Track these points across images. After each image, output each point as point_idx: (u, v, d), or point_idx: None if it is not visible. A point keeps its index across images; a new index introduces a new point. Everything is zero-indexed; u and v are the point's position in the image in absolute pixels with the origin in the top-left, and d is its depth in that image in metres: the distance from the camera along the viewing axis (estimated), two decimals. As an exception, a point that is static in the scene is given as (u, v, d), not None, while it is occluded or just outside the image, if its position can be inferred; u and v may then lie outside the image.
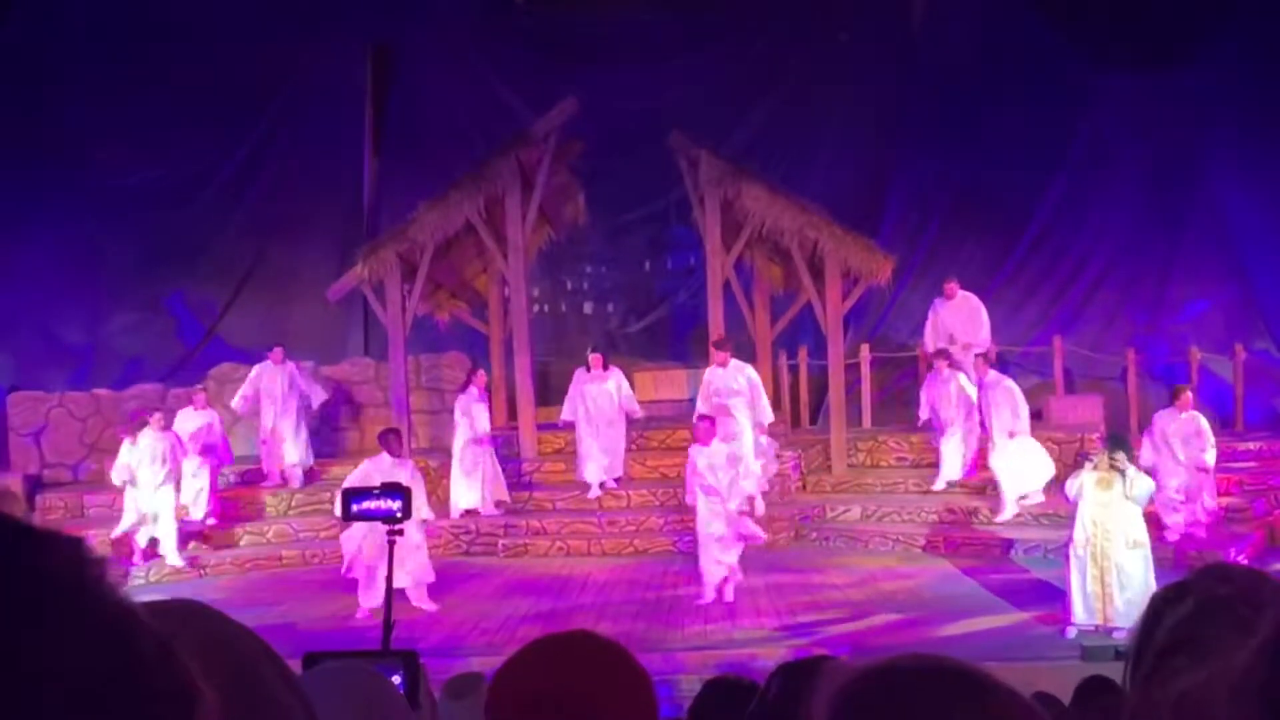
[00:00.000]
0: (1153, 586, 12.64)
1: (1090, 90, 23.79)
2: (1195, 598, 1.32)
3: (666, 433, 20.02)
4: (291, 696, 1.11)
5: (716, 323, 19.60)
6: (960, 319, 20.78)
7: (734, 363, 18.45)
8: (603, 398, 19.19)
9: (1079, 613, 13.00)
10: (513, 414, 20.80)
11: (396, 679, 3.36)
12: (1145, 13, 22.84)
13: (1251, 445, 19.77)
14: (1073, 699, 6.25)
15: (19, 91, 24.04)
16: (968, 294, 20.92)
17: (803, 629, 13.72)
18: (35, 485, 20.86)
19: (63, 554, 0.76)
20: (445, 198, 19.44)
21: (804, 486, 19.65)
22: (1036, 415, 21.71)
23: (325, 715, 1.23)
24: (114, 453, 21.49)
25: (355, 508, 5.90)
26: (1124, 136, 23.66)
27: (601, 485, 19.14)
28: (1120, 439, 13.70)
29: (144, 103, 24.25)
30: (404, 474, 14.00)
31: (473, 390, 18.85)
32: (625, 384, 19.69)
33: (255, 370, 20.51)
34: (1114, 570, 12.92)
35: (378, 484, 6.46)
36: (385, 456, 14.90)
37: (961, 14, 24.46)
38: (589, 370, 19.37)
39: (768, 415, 18.48)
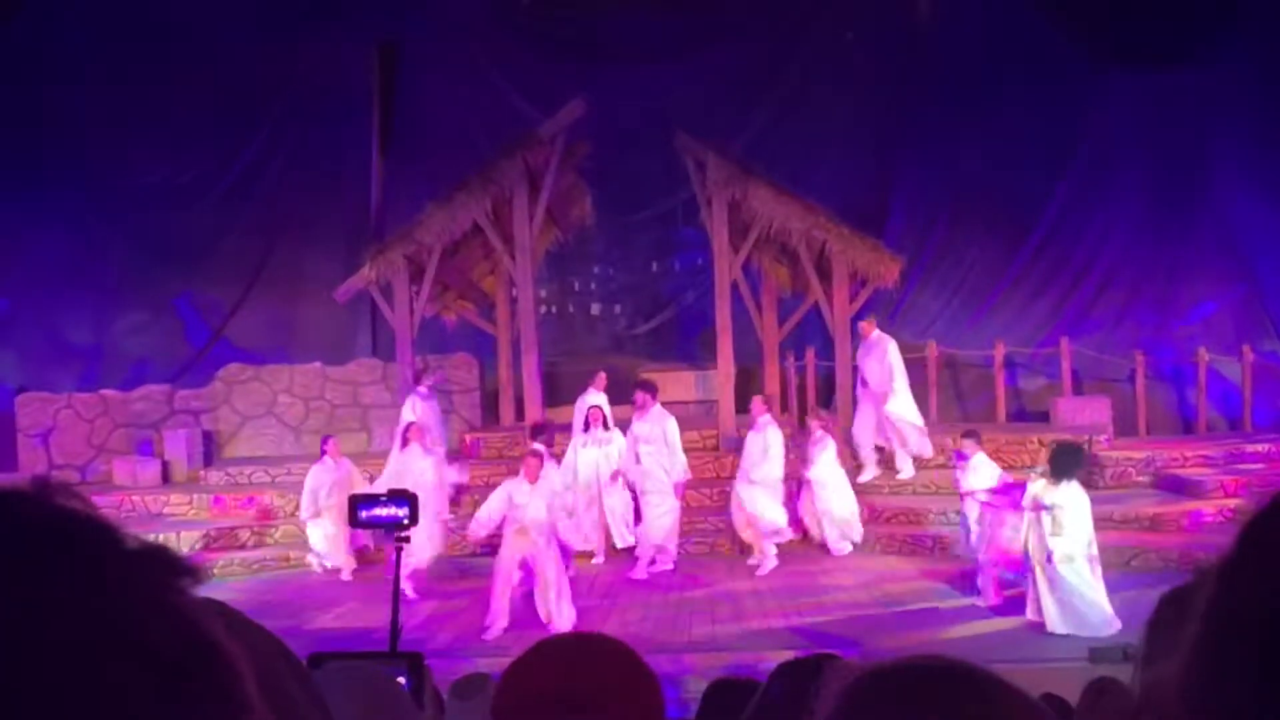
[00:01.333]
0: (1088, 598, 13.08)
1: (1096, 90, 23.77)
2: (1199, 580, 1.31)
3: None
4: (306, 695, 1.11)
5: (724, 323, 19.58)
6: (870, 363, 19.02)
7: (656, 409, 17.12)
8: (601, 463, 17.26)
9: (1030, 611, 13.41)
10: (520, 414, 20.80)
11: (401, 680, 3.36)
12: (1150, 12, 22.81)
13: (1260, 447, 19.75)
14: (1080, 700, 6.23)
15: (25, 91, 24.07)
16: (882, 335, 19.04)
17: (810, 630, 13.71)
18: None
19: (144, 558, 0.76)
20: (452, 199, 19.44)
21: (811, 488, 19.59)
22: (1043, 416, 21.73)
23: (333, 713, 1.23)
24: (123, 453, 21.59)
25: (363, 514, 5.91)
26: (1130, 137, 23.64)
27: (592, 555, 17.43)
28: (1066, 452, 13.60)
29: (151, 103, 24.29)
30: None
31: (420, 389, 18.91)
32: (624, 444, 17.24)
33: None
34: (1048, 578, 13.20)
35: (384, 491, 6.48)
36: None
37: (966, 14, 24.45)
38: (586, 429, 17.44)
39: (679, 470, 17.01)
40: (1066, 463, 13.25)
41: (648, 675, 1.97)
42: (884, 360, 18.67)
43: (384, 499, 6.01)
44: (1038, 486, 13.30)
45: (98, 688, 0.66)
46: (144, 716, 0.68)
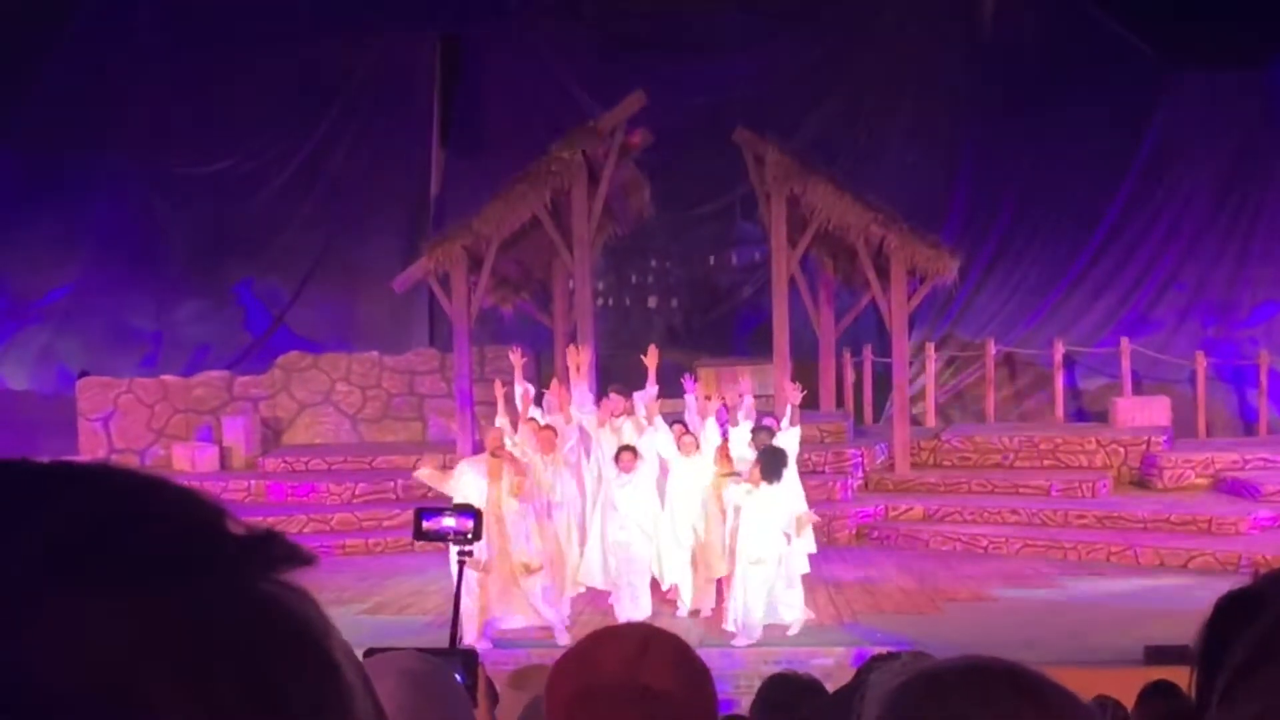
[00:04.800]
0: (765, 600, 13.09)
1: (1161, 88, 23.57)
2: (1274, 610, 1.29)
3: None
4: (363, 686, 1.12)
5: (780, 319, 19.53)
6: None
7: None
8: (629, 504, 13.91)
9: None
10: (575, 407, 20.81)
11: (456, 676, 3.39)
12: (1218, 11, 22.57)
13: (1321, 451, 19.55)
14: (1136, 702, 6.20)
15: (91, 81, 24.34)
16: None
17: (863, 628, 13.68)
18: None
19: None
20: (511, 191, 19.47)
21: (866, 485, 19.55)
22: (1102, 417, 21.56)
23: (384, 695, 1.24)
24: (182, 439, 21.79)
25: (426, 524, 5.89)
26: (1196, 135, 23.42)
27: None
28: (775, 454, 13.35)
29: (213, 94, 24.52)
30: None
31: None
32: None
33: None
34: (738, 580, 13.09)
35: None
36: None
37: (1031, 10, 24.28)
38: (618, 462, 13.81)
39: None
40: (776, 465, 13.06)
41: (700, 667, 1.98)
42: None
43: (449, 511, 6.00)
44: (740, 490, 13.11)
45: (180, 695, 0.64)
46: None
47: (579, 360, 15.22)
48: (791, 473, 13.74)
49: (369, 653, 2.95)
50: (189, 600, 0.67)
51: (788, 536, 13.16)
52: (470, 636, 12.88)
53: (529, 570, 13.11)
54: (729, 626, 13.11)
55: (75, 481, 0.70)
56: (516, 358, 14.76)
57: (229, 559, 0.71)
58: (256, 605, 0.70)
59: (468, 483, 12.79)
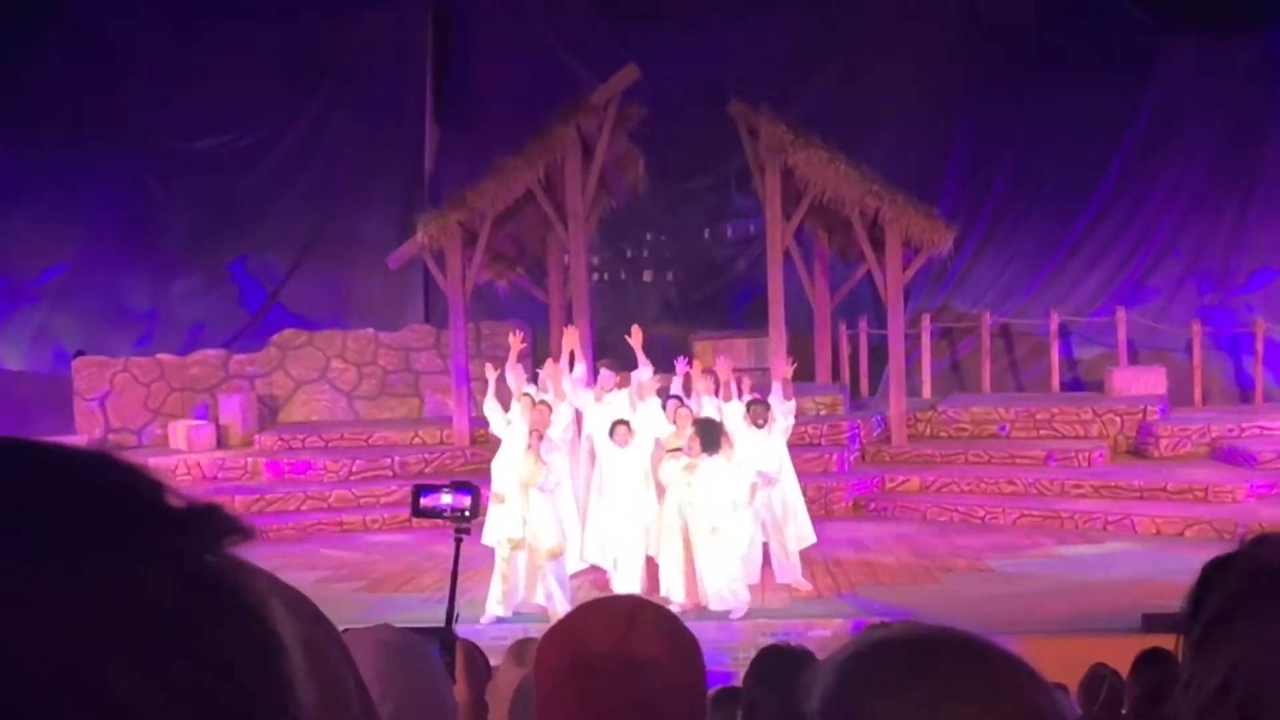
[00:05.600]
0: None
1: (1157, 55, 23.49)
2: (1248, 566, 1.29)
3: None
4: (341, 660, 1.11)
5: (776, 291, 19.51)
6: None
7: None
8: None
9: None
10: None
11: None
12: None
13: (1318, 418, 19.56)
14: (1130, 670, 6.21)
15: (83, 55, 24.26)
16: None
17: (860, 599, 13.70)
18: (100, 450, 21.11)
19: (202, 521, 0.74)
20: (505, 165, 19.45)
21: (863, 457, 19.57)
22: (1098, 386, 21.57)
23: (360, 666, 1.23)
24: (179, 417, 21.78)
25: (424, 501, 5.84)
26: (1192, 103, 23.35)
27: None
28: (712, 427, 13.33)
29: (206, 69, 24.42)
30: None
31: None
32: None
33: None
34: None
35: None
36: None
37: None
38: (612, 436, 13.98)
39: None
40: (713, 436, 13.10)
41: (689, 638, 1.97)
42: None
43: (446, 488, 5.92)
44: (676, 466, 13.14)
45: (114, 664, 0.64)
46: (169, 694, 0.66)
47: (574, 342, 15.08)
48: (777, 444, 13.83)
49: (345, 633, 2.94)
50: (126, 572, 0.67)
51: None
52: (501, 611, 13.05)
53: (553, 554, 13.22)
54: (714, 606, 13.07)
55: (8, 456, 0.70)
56: (515, 341, 14.62)
57: (168, 532, 0.71)
58: (195, 577, 0.70)
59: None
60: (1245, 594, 1.27)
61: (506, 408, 13.92)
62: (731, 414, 14.00)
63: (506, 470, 13.36)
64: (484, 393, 14.48)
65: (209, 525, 0.73)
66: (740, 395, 14.46)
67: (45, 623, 0.63)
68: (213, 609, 0.69)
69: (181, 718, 0.65)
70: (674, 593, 13.09)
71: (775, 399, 14.27)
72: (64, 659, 0.63)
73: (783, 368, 14.72)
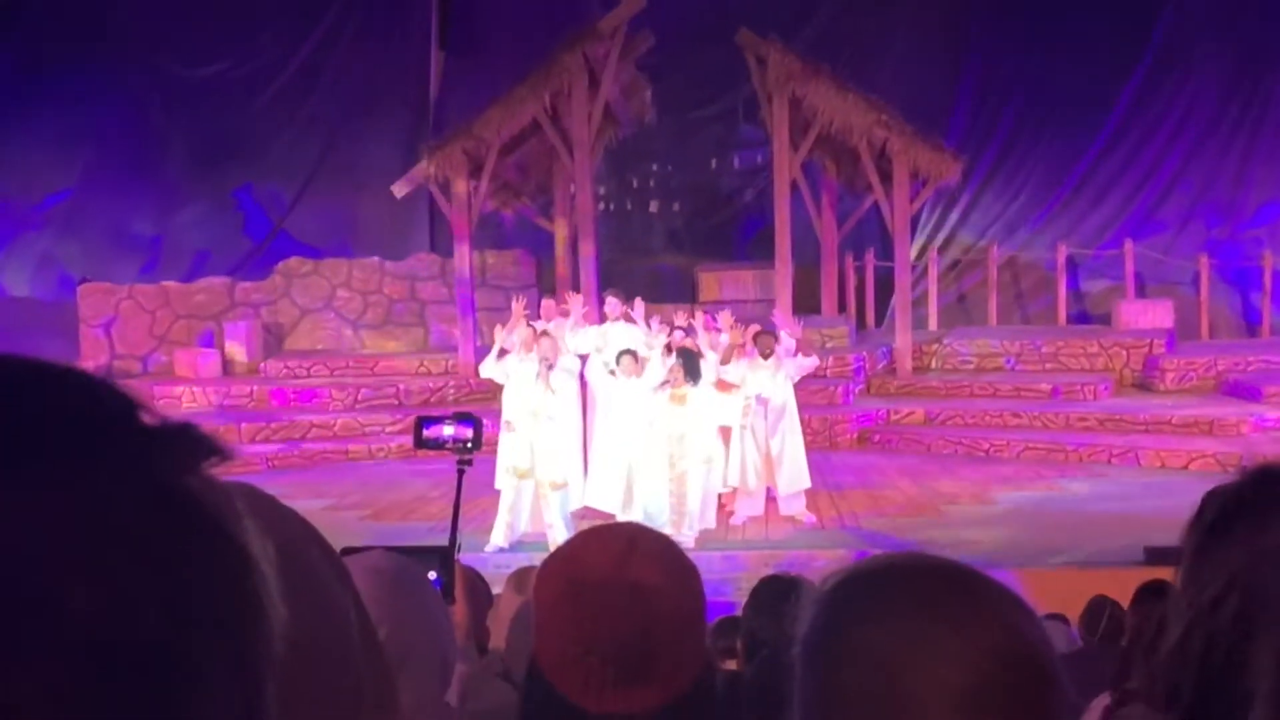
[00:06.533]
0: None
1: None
2: (1244, 480, 1.27)
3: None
4: (337, 581, 1.09)
5: (783, 222, 19.44)
6: None
7: None
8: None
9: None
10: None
11: (432, 575, 3.38)
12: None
13: (1325, 352, 19.53)
14: (1131, 602, 6.22)
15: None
16: None
17: (863, 531, 13.73)
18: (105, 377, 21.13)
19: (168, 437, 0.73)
20: (511, 94, 19.34)
21: (868, 389, 19.58)
22: (1105, 319, 21.53)
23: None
24: (184, 345, 21.79)
25: (426, 433, 5.83)
26: (1203, 33, 23.16)
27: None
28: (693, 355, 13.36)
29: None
30: None
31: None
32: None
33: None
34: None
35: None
36: None
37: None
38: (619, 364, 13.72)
39: None
40: (692, 365, 13.15)
41: (689, 566, 1.96)
42: None
43: (449, 419, 5.91)
44: (661, 399, 13.18)
45: (76, 583, 0.63)
46: (131, 610, 0.65)
47: (573, 307, 14.94)
48: (783, 385, 13.87)
49: (343, 553, 2.94)
50: (96, 490, 0.65)
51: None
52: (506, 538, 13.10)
53: (556, 486, 13.26)
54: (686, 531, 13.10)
55: None
56: (518, 308, 14.38)
57: (134, 447, 0.69)
58: (159, 491, 0.68)
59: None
60: (1246, 502, 1.26)
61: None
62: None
63: (517, 399, 13.37)
64: (490, 322, 14.41)
65: (182, 443, 0.71)
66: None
67: (6, 546, 0.62)
68: (175, 524, 0.67)
69: (140, 629, 0.64)
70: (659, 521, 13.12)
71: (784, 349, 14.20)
72: (21, 569, 0.62)
73: (790, 325, 14.66)
